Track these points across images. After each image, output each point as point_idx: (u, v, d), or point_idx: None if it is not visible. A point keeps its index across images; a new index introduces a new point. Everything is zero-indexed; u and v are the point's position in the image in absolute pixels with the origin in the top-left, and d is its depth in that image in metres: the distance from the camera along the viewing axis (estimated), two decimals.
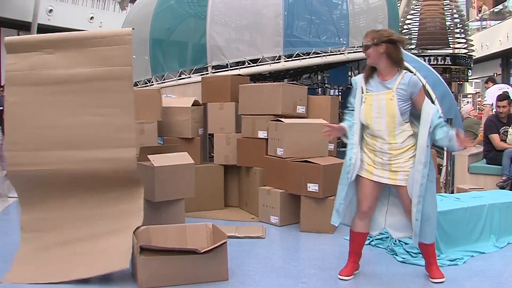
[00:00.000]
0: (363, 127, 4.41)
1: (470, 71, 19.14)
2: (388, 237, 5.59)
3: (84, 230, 4.75)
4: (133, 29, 4.88)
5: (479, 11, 30.36)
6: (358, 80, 4.48)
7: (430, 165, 4.24)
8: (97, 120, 4.69)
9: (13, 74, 4.75)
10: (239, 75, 8.25)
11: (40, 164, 4.69)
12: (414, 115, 4.33)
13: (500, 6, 27.26)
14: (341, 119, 11.53)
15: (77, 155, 4.69)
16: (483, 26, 28.87)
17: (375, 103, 4.29)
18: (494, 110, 9.63)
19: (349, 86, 13.02)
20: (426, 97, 4.29)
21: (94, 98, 4.69)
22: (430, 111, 4.19)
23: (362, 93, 4.39)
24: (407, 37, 16.73)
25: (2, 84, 15.07)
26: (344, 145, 12.23)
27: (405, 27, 16.70)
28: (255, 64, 9.04)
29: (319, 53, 9.15)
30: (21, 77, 4.74)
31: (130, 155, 4.71)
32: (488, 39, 25.94)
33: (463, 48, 17.35)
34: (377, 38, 4.25)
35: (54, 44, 4.77)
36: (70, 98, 4.70)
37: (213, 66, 9.09)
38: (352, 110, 4.47)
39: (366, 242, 5.57)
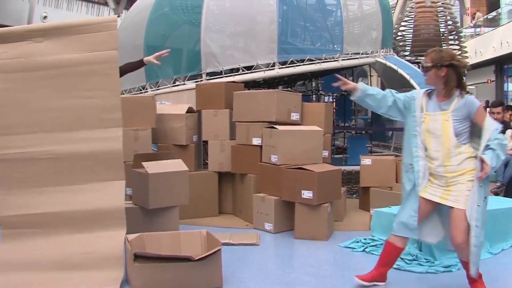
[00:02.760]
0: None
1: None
2: (383, 243, 5.59)
3: (65, 231, 4.72)
4: (118, 16, 5.01)
5: (473, 18, 30.49)
6: (420, 95, 4.39)
7: (486, 188, 4.13)
8: (85, 102, 4.79)
9: (3, 62, 4.84)
10: (233, 82, 8.26)
11: (29, 146, 4.76)
12: (477, 135, 4.19)
13: (494, 13, 27.37)
14: (335, 126, 11.48)
15: (65, 136, 4.77)
16: (477, 33, 28.98)
17: (432, 123, 4.21)
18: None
19: (343, 93, 13.04)
20: (487, 115, 4.18)
21: (81, 81, 4.80)
22: (491, 127, 4.06)
23: (422, 111, 4.31)
24: (401, 43, 16.79)
25: None
26: (339, 152, 12.16)
27: (399, 33, 16.74)
28: (250, 71, 9.06)
29: (313, 60, 9.17)
30: (10, 64, 4.84)
31: (117, 134, 4.77)
32: (482, 45, 26.03)
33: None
34: (438, 61, 4.17)
35: (43, 32, 4.88)
36: (58, 82, 4.80)
37: (207, 73, 9.10)
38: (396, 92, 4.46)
39: (360, 249, 5.60)
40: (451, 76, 4.17)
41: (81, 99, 4.78)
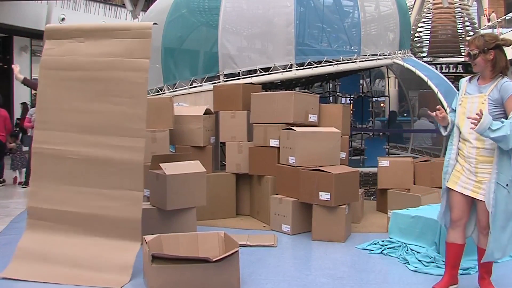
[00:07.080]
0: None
1: None
2: (400, 245, 5.58)
3: (82, 232, 4.86)
4: (154, 23, 5.10)
5: (488, 20, 30.25)
6: (463, 81, 4.43)
7: (506, 173, 4.06)
8: (112, 108, 4.89)
9: (48, 58, 5.08)
10: (250, 83, 8.27)
11: (61, 144, 4.94)
12: None
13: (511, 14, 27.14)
14: (352, 128, 11.42)
15: (91, 139, 4.90)
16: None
17: (469, 105, 4.23)
18: None
19: (361, 94, 13.04)
20: None
21: (111, 86, 4.91)
22: None
23: (461, 95, 4.34)
24: (418, 45, 16.71)
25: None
26: (356, 154, 12.12)
27: (416, 35, 16.67)
28: (267, 73, 9.05)
29: (331, 62, 9.15)
30: (54, 61, 5.06)
31: (139, 144, 4.84)
32: None
33: None
34: (484, 45, 4.16)
35: (85, 32, 5.07)
36: (91, 85, 4.94)
37: (224, 75, 9.11)
38: (454, 110, 4.40)
39: (378, 251, 5.57)
40: (499, 57, 4.18)
41: (109, 105, 4.88)
